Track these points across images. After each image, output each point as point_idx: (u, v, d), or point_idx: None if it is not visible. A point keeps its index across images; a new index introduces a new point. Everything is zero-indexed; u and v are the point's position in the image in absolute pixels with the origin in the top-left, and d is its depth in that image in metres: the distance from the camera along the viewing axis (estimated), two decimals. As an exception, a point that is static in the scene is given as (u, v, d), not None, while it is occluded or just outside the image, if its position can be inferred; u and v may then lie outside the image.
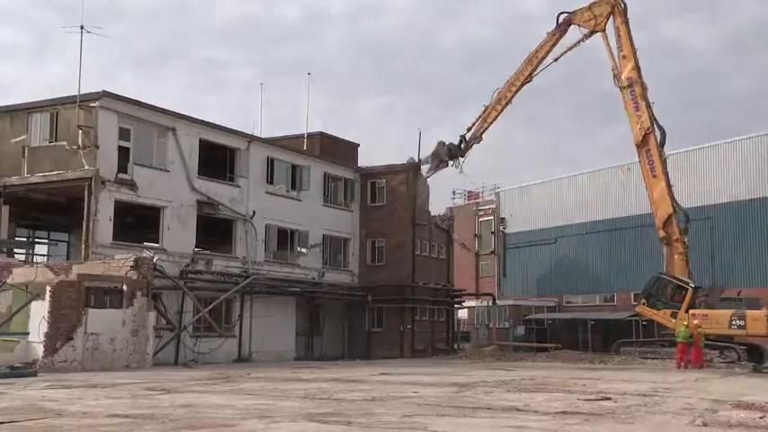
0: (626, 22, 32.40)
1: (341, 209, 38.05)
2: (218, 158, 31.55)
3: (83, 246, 26.73)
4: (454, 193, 57.27)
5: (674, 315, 31.01)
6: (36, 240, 34.14)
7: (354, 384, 18.12)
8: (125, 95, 28.02)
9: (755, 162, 37.96)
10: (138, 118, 28.33)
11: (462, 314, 47.35)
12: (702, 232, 39.83)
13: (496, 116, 35.30)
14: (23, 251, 32.13)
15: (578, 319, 42.77)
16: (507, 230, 51.08)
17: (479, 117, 35.50)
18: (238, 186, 32.31)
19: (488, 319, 45.70)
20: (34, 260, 30.92)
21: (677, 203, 32.33)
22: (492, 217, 52.57)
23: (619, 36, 32.51)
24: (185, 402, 13.55)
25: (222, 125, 31.96)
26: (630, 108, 32.29)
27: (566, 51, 33.94)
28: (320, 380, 19.67)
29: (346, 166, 38.72)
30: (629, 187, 42.82)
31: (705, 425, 10.98)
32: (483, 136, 35.88)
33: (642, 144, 32.16)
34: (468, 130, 35.96)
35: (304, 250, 35.69)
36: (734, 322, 29.35)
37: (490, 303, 44.91)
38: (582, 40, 33.46)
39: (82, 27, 26.88)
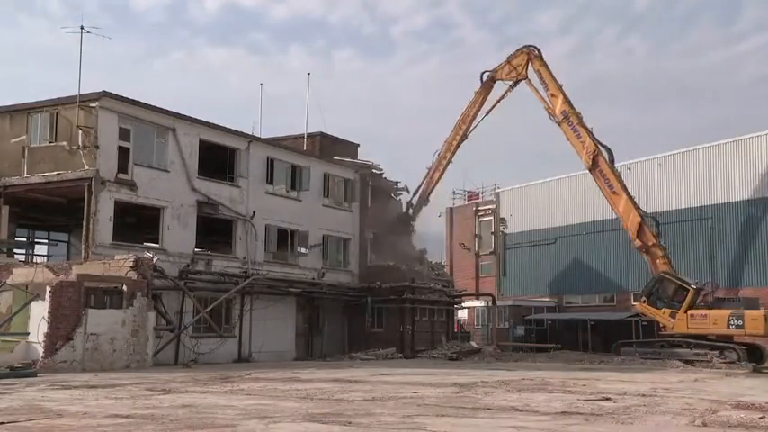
0: (544, 65, 34.94)
1: (341, 209, 38.04)
2: (218, 158, 31.54)
3: (83, 246, 26.73)
4: (454, 193, 57.34)
5: (672, 315, 31.39)
6: (36, 240, 34.13)
7: (354, 384, 18.13)
8: (125, 95, 28.02)
9: (755, 162, 37.96)
10: (138, 118, 28.32)
11: (462, 314, 47.34)
12: (702, 232, 39.90)
13: (440, 177, 38.76)
14: (23, 251, 32.11)
15: (578, 320, 42.76)
16: (507, 230, 51.12)
17: (424, 179, 38.98)
18: (238, 186, 32.30)
19: (488, 320, 45.70)
20: (34, 260, 30.92)
21: (643, 210, 33.29)
22: (492, 217, 52.57)
23: (542, 78, 34.86)
24: (185, 403, 13.56)
25: (222, 125, 31.94)
26: (573, 138, 34.05)
27: (495, 104, 37.25)
28: (320, 380, 19.69)
29: (346, 166, 38.73)
30: (628, 187, 42.83)
31: (705, 425, 10.99)
32: (430, 197, 39.50)
33: (594, 167, 33.70)
34: (415, 193, 39.45)
35: (304, 250, 35.68)
36: (732, 322, 29.71)
37: (490, 303, 44.92)
38: (508, 90, 36.50)
39: (82, 27, 26.92)
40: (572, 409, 12.74)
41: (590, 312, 43.18)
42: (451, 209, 56.73)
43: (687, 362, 29.34)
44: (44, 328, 22.71)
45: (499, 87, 37.05)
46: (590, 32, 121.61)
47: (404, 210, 40.64)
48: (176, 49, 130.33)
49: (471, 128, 37.53)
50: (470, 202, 56.18)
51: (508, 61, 35.91)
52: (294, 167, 35.31)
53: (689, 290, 31.29)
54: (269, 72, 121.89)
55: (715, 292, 33.65)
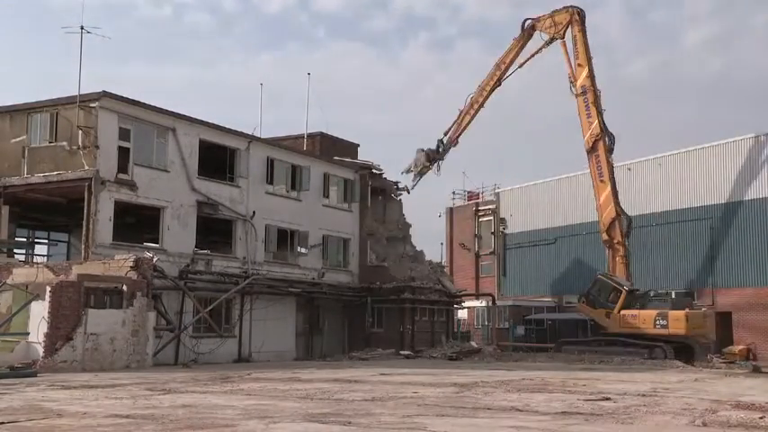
0: (583, 31, 34.28)
1: (341, 209, 38.05)
2: (218, 158, 31.55)
3: (83, 246, 26.74)
4: (454, 193, 57.35)
5: (608, 315, 33.08)
6: (36, 240, 34.13)
7: (354, 384, 18.13)
8: (125, 95, 28.03)
9: (755, 162, 37.95)
10: (138, 118, 28.32)
11: (462, 314, 47.35)
12: (702, 232, 39.88)
13: (470, 120, 37.52)
14: (23, 251, 32.11)
15: (578, 320, 42.74)
16: (507, 230, 51.12)
17: (455, 122, 37.65)
18: (238, 186, 32.30)
19: (488, 320, 45.73)
20: (34, 260, 30.91)
21: (621, 209, 34.21)
22: (492, 217, 52.57)
23: (575, 44, 34.30)
24: (185, 403, 13.56)
25: (222, 125, 31.96)
26: (583, 115, 34.07)
27: (529, 58, 36.46)
28: (320, 380, 19.68)
29: (346, 166, 38.74)
30: (629, 187, 42.87)
31: (705, 425, 10.99)
32: (459, 140, 38.07)
33: (592, 150, 34.00)
34: (446, 134, 37.98)
35: (304, 250, 35.69)
36: (658, 322, 31.46)
37: (490, 303, 44.94)
38: (543, 46, 35.63)
39: (82, 27, 26.91)
40: (572, 409, 12.74)
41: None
42: (451, 209, 56.75)
43: (686, 361, 29.72)
44: (44, 328, 22.70)
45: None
46: (739, 18, 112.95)
47: (432, 151, 38.37)
48: (292, 40, 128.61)
49: (506, 75, 36.62)
50: (470, 202, 56.19)
51: (551, 15, 35.24)
52: (294, 167, 35.31)
53: (622, 291, 32.80)
54: (383, 64, 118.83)
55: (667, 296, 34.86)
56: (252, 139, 33.68)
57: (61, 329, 22.66)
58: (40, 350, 22.59)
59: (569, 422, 11.13)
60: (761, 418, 11.71)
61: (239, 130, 33.09)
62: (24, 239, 32.95)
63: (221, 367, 26.12)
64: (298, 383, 18.47)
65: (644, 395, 15.57)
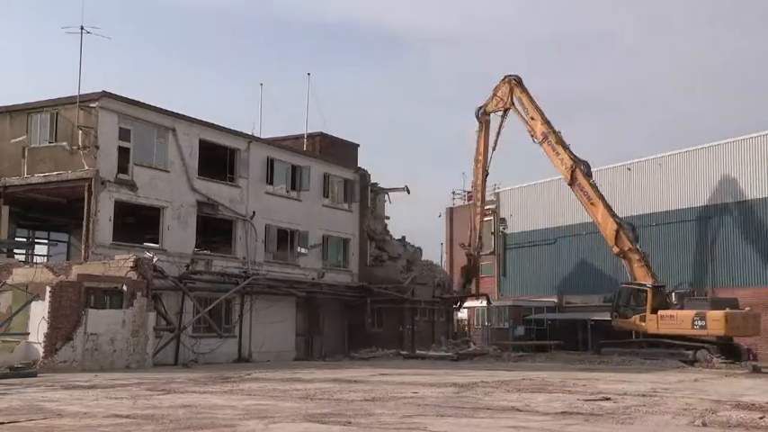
0: (524, 91, 37.08)
1: (341, 209, 38.05)
2: (218, 158, 31.55)
3: (83, 246, 26.73)
4: (454, 193, 57.31)
5: (642, 318, 32.53)
6: (36, 240, 34.11)
7: (354, 385, 18.13)
8: (125, 95, 28.02)
9: (756, 162, 37.92)
10: (138, 118, 28.32)
11: (462, 314, 47.32)
12: (702, 232, 39.88)
13: (482, 219, 40.86)
14: (23, 251, 32.10)
15: (578, 320, 42.73)
16: (507, 230, 51.10)
17: (470, 230, 40.72)
18: (238, 187, 32.30)
19: (488, 320, 45.70)
20: (34, 260, 30.92)
21: (619, 218, 34.96)
22: (492, 217, 52.52)
23: (522, 104, 36.91)
24: (185, 403, 13.57)
25: (222, 125, 31.95)
26: (552, 156, 36.10)
27: (497, 138, 38.53)
28: (320, 380, 19.69)
29: (346, 167, 38.74)
30: (629, 187, 42.90)
31: (705, 425, 11.00)
32: (482, 242, 41.37)
33: (572, 181, 35.69)
34: (469, 245, 40.73)
35: (304, 250, 35.69)
36: (696, 323, 30.75)
37: (485, 304, 44.95)
38: (503, 120, 38.27)
39: (82, 28, 26.91)
40: (572, 409, 12.75)
41: (590, 312, 43.12)
42: (451, 209, 56.66)
43: (686, 362, 29.63)
44: (44, 328, 22.71)
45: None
46: None
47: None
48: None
49: (488, 163, 39.10)
50: (470, 202, 56.06)
51: (494, 93, 37.79)
52: (294, 167, 35.30)
53: (646, 289, 32.48)
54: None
55: (693, 293, 34.72)
56: (252, 139, 33.69)
57: (61, 329, 22.67)
58: (40, 350, 22.60)
59: (569, 422, 11.14)
60: (761, 418, 11.71)
61: (239, 129, 33.18)
62: (24, 239, 32.94)
63: (221, 367, 26.13)
64: (298, 383, 18.48)
65: (644, 395, 15.58)
